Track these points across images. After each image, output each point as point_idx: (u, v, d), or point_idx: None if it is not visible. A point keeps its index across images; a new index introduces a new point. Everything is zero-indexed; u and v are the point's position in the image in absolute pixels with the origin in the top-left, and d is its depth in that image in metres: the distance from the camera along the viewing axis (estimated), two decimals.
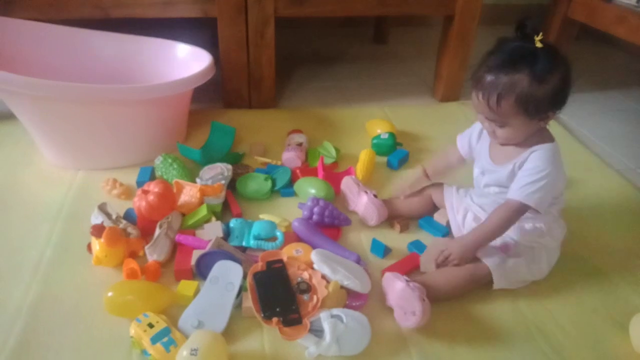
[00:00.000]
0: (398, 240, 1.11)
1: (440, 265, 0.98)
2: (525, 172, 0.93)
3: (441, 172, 1.16)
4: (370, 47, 2.31)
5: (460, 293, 0.96)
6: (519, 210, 0.93)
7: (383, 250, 1.06)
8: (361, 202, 1.15)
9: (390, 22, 2.34)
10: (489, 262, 0.95)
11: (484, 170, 1.03)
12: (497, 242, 0.98)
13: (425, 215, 1.17)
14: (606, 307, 0.98)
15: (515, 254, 0.97)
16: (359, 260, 1.01)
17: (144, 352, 0.82)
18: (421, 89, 1.90)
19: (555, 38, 1.75)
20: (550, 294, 1.00)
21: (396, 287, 0.90)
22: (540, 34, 0.86)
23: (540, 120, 0.91)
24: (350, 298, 0.94)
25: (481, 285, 0.97)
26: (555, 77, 0.86)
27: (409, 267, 1.02)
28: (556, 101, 0.88)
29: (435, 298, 0.92)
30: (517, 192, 0.92)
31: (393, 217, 1.16)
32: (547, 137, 0.95)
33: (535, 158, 0.92)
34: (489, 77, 0.88)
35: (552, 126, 0.96)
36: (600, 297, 1.00)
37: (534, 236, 0.98)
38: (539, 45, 0.85)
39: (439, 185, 1.16)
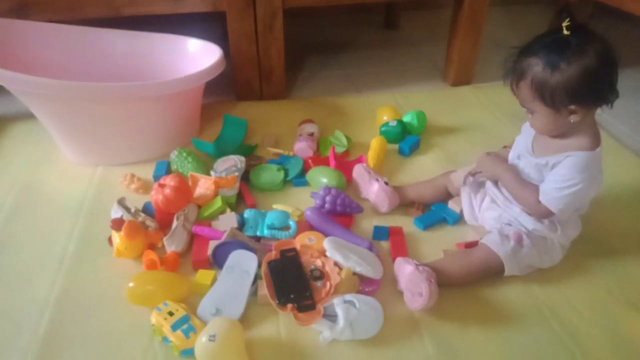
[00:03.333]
0: (411, 226, 1.13)
1: (471, 174, 1.04)
2: (554, 177, 0.92)
3: None
4: (381, 33, 2.30)
5: (470, 280, 0.97)
6: (540, 206, 0.93)
7: (387, 233, 1.08)
8: (372, 190, 1.16)
9: (401, 6, 2.31)
10: (501, 252, 0.95)
11: (521, 155, 1.01)
12: (510, 230, 0.98)
13: (437, 202, 1.17)
14: (621, 288, 0.98)
15: (527, 244, 0.97)
16: (371, 247, 1.02)
17: (164, 339, 0.86)
18: (433, 74, 1.88)
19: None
20: (564, 277, 1.00)
21: (406, 270, 0.92)
22: (567, 19, 0.83)
23: (567, 114, 0.87)
24: (362, 284, 0.96)
25: (493, 274, 0.97)
26: (574, 67, 0.82)
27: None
28: (576, 94, 0.84)
29: (446, 284, 0.93)
30: (542, 195, 0.93)
31: (404, 204, 1.17)
32: (589, 142, 0.90)
33: (567, 165, 0.90)
34: (513, 63, 0.89)
35: None
36: (614, 279, 1.00)
37: (547, 230, 0.98)
38: (565, 32, 0.83)
39: (454, 173, 1.15)
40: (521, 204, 0.98)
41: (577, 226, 1.02)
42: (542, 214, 0.95)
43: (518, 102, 0.93)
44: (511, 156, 1.04)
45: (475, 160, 1.08)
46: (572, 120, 0.88)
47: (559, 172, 0.91)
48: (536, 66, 0.85)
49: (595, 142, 0.91)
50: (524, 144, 1.00)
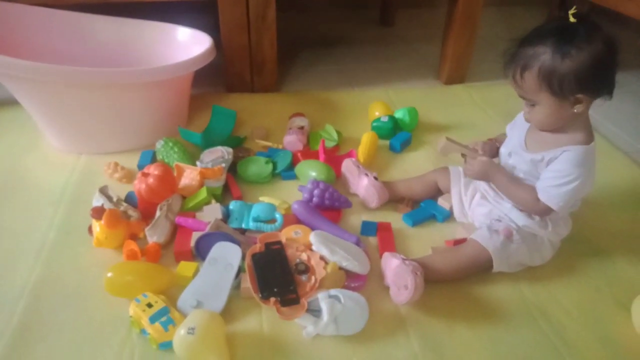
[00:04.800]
0: (400, 222, 1.11)
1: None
2: (551, 173, 0.90)
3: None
4: (375, 30, 2.28)
5: (459, 276, 0.95)
6: (538, 204, 0.92)
7: (375, 229, 1.06)
8: (362, 185, 1.14)
9: (397, 3, 2.30)
10: (490, 247, 0.94)
11: (512, 152, 0.99)
12: (500, 226, 0.97)
13: (426, 198, 1.15)
14: (609, 287, 0.97)
15: (517, 240, 0.95)
16: (358, 242, 1.01)
17: (142, 331, 0.83)
18: (426, 72, 1.87)
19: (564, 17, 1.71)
20: (553, 275, 0.99)
21: (392, 264, 0.91)
22: (574, 7, 0.82)
23: (572, 104, 0.86)
24: (349, 279, 0.94)
25: (481, 270, 0.96)
26: (584, 54, 0.81)
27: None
28: (585, 81, 0.83)
29: (434, 280, 0.92)
30: (541, 193, 0.91)
31: (394, 200, 1.15)
32: (584, 136, 0.90)
33: (564, 160, 0.89)
34: (517, 51, 0.87)
35: None
36: (603, 278, 0.99)
37: (538, 227, 0.97)
38: (572, 19, 0.82)
39: (445, 169, 1.14)
40: (518, 204, 0.97)
41: (568, 224, 1.01)
42: (541, 211, 0.94)
43: (518, 94, 0.91)
44: (502, 152, 1.03)
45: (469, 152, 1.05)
46: (575, 111, 0.87)
47: (556, 168, 0.90)
48: (544, 54, 0.83)
49: (590, 136, 0.91)
50: (517, 139, 0.99)
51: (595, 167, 0.93)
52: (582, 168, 0.89)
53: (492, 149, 1.06)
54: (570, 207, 0.97)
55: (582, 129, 0.90)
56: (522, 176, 0.98)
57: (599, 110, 1.56)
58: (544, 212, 0.94)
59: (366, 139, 1.32)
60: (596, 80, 0.84)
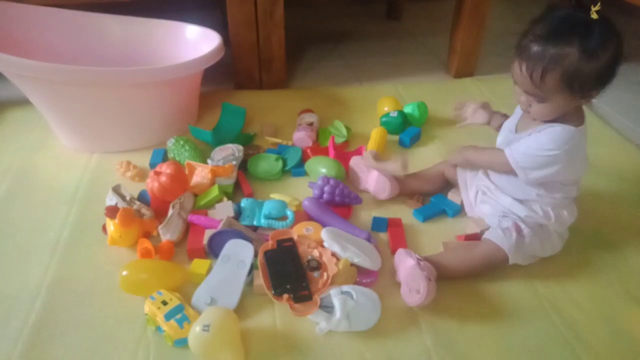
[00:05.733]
0: (410, 218, 1.11)
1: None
2: (530, 141, 0.90)
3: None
4: (383, 24, 2.27)
5: (473, 274, 0.96)
6: (504, 165, 0.93)
7: (386, 224, 1.06)
8: (372, 177, 1.14)
9: None
10: (506, 245, 0.93)
11: (506, 139, 0.99)
12: (509, 222, 0.96)
13: (437, 192, 1.15)
14: (621, 281, 0.97)
15: (527, 233, 0.95)
16: (369, 238, 1.01)
17: (158, 328, 0.84)
18: (435, 65, 1.86)
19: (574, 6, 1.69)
20: (564, 270, 0.99)
21: (407, 264, 0.91)
22: (599, 4, 0.79)
23: (582, 99, 0.85)
24: (360, 275, 0.94)
25: (495, 268, 0.96)
26: (607, 53, 0.79)
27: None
28: (603, 79, 0.82)
29: (447, 277, 0.92)
30: (514, 148, 0.91)
31: (404, 194, 1.15)
32: (575, 117, 0.89)
33: (546, 132, 0.88)
34: (536, 48, 0.81)
35: None
36: (615, 272, 0.99)
37: (540, 218, 0.96)
38: (594, 16, 0.79)
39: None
40: (501, 170, 0.97)
41: (572, 212, 0.99)
42: (505, 167, 0.93)
43: (525, 89, 0.87)
44: (498, 142, 1.03)
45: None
46: (582, 103, 0.87)
47: (536, 137, 0.89)
48: (571, 56, 0.79)
49: (581, 120, 0.90)
50: (509, 127, 0.99)
51: (582, 153, 0.92)
52: (560, 145, 0.86)
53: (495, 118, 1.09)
54: (563, 192, 0.95)
55: (574, 113, 0.90)
56: None
57: (608, 102, 1.56)
58: (506, 168, 0.93)
59: (375, 135, 1.32)
60: (611, 77, 0.83)
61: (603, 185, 1.22)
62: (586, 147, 0.92)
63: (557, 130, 0.88)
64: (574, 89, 0.83)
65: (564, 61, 0.80)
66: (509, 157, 0.92)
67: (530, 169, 0.90)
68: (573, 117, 0.89)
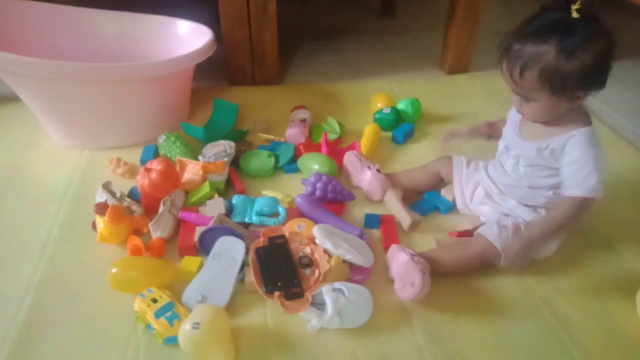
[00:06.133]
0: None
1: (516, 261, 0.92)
2: (574, 166, 0.87)
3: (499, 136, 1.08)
4: (377, 20, 2.26)
5: (466, 271, 0.95)
6: (584, 204, 0.87)
7: (378, 221, 1.06)
8: (365, 178, 1.14)
9: None
10: (499, 243, 0.93)
11: (509, 145, 0.98)
12: (509, 221, 0.96)
13: (430, 190, 1.15)
14: (614, 277, 0.97)
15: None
16: (361, 235, 1.00)
17: (148, 326, 0.83)
18: (429, 62, 1.86)
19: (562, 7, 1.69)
20: (557, 266, 0.98)
21: (400, 259, 0.90)
22: (578, 2, 0.79)
23: (569, 101, 0.85)
24: (353, 272, 0.94)
25: (488, 265, 0.95)
26: (589, 53, 0.79)
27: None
28: (587, 80, 0.81)
29: (440, 274, 0.92)
30: (578, 189, 0.87)
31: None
32: (582, 119, 0.88)
33: (576, 146, 0.86)
34: (516, 46, 0.83)
35: None
36: (607, 269, 0.99)
37: None
38: (575, 15, 0.79)
39: (448, 158, 1.13)
40: (573, 225, 0.93)
41: None
42: (585, 208, 0.87)
43: (512, 89, 0.89)
44: (500, 147, 1.02)
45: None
46: (573, 106, 0.86)
47: (572, 159, 0.87)
48: (547, 54, 0.80)
49: (589, 118, 0.90)
50: (511, 132, 0.98)
51: (602, 145, 0.91)
52: (594, 146, 0.87)
53: (485, 131, 1.08)
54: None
55: (579, 114, 0.89)
56: (526, 165, 0.95)
57: (603, 99, 1.56)
58: (587, 206, 0.88)
59: (368, 131, 1.32)
60: (597, 78, 0.83)
61: None
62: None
63: (581, 139, 0.87)
64: (555, 88, 0.82)
65: (540, 59, 0.81)
66: (587, 198, 0.87)
67: (596, 183, 0.86)
68: (580, 118, 0.89)
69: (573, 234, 1.03)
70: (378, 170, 1.13)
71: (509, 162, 0.99)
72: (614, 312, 0.90)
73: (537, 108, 0.87)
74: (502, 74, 0.88)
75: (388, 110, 1.38)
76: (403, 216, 1.04)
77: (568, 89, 0.82)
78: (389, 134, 1.37)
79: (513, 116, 0.99)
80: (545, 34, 0.80)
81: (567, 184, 0.89)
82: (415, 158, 1.28)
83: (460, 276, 0.95)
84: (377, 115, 1.39)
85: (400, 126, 1.38)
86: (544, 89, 0.83)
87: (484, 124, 1.12)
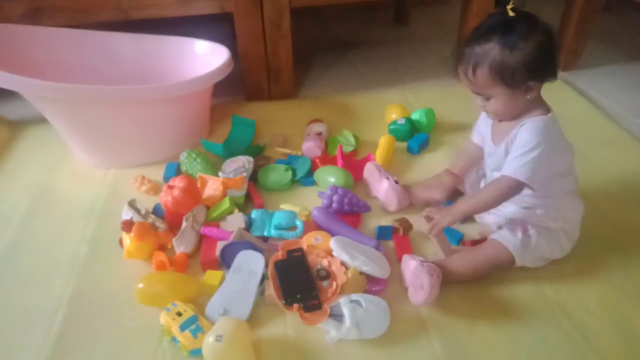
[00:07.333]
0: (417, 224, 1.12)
1: (431, 231, 0.98)
2: (514, 147, 0.92)
3: (468, 167, 1.13)
4: (390, 30, 2.28)
5: (479, 276, 0.97)
6: (512, 187, 0.92)
7: (391, 232, 1.08)
8: (382, 188, 1.16)
9: (411, 2, 2.30)
10: (511, 245, 0.95)
11: (488, 153, 1.02)
12: (517, 224, 0.98)
13: (446, 200, 1.16)
14: (632, 285, 0.97)
15: (533, 233, 0.96)
16: (378, 246, 1.02)
17: (173, 339, 0.87)
18: (443, 70, 1.87)
19: (581, 9, 1.68)
20: (574, 274, 0.99)
21: (410, 266, 0.93)
22: (511, 2, 0.86)
23: (524, 92, 0.89)
24: (370, 283, 0.96)
25: (501, 270, 0.97)
26: (530, 45, 0.85)
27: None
28: (534, 69, 0.87)
29: (454, 280, 0.93)
30: (507, 167, 0.92)
31: (414, 205, 1.16)
32: (539, 109, 0.93)
33: (523, 131, 0.91)
34: (466, 50, 0.89)
35: (577, 101, 0.93)
36: (625, 276, 0.98)
37: (547, 220, 0.97)
38: (510, 13, 0.86)
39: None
40: (509, 197, 0.95)
41: (574, 207, 1.00)
42: (516, 188, 0.92)
43: (472, 91, 0.93)
44: (485, 155, 1.05)
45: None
46: (528, 97, 0.90)
47: (517, 142, 0.92)
48: (493, 50, 0.86)
49: (546, 109, 0.93)
50: (487, 140, 1.02)
51: (562, 137, 0.94)
52: (542, 136, 0.89)
53: (453, 181, 1.12)
54: (559, 185, 0.96)
55: (537, 106, 0.93)
56: (493, 169, 1.00)
57: (623, 104, 1.54)
58: (518, 188, 0.92)
59: (383, 142, 1.34)
60: (543, 67, 0.88)
61: (614, 187, 1.21)
62: (562, 132, 0.95)
63: (529, 125, 0.91)
64: (507, 81, 0.87)
65: (488, 55, 0.86)
66: (512, 178, 0.91)
67: (533, 174, 0.90)
68: (536, 109, 0.93)
69: (589, 240, 1.03)
70: (396, 182, 1.15)
71: (489, 169, 1.03)
72: (633, 320, 0.90)
73: (497, 104, 0.92)
74: (460, 79, 0.93)
75: (402, 121, 1.40)
76: (441, 243, 1.04)
77: (519, 80, 0.87)
78: (404, 144, 1.39)
79: (484, 123, 1.04)
80: (488, 34, 0.87)
81: (505, 165, 0.93)
82: (431, 168, 1.29)
83: (475, 283, 0.96)
84: (391, 127, 1.41)
85: (415, 136, 1.40)
86: (497, 83, 0.88)
87: (447, 174, 1.14)
